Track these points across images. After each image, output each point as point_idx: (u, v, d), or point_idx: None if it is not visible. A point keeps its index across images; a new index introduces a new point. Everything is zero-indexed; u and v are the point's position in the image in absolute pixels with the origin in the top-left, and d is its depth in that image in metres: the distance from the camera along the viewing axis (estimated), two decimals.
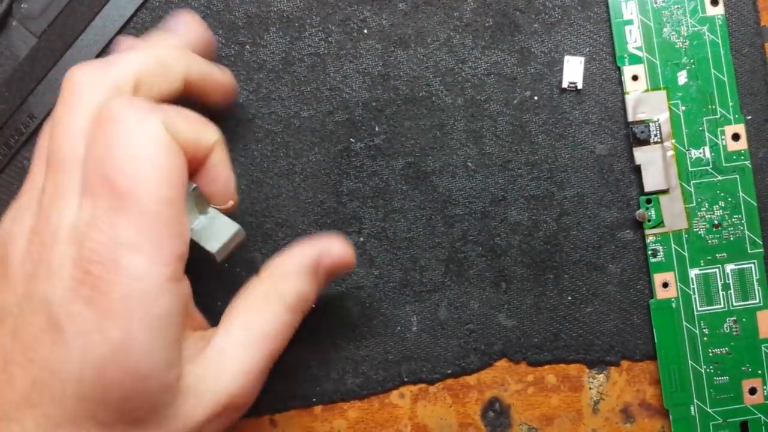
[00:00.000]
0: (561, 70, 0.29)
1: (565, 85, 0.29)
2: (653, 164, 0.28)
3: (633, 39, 0.28)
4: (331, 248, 0.23)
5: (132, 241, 0.19)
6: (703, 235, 0.28)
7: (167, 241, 0.19)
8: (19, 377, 0.20)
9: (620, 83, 0.28)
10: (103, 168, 0.19)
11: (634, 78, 0.28)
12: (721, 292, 0.28)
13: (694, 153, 0.28)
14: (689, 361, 0.28)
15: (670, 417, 0.28)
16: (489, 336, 0.28)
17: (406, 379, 0.28)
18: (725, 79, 0.28)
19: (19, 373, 0.20)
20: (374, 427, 0.28)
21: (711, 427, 0.28)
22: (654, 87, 0.28)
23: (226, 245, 0.23)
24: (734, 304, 0.28)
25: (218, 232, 0.23)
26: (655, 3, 0.28)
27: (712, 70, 0.28)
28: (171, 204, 0.19)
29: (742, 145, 0.28)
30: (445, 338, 0.28)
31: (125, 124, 0.19)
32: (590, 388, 0.28)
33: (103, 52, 0.28)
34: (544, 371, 0.28)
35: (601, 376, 0.28)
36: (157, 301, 0.19)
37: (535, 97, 0.29)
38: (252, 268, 0.27)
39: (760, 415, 0.28)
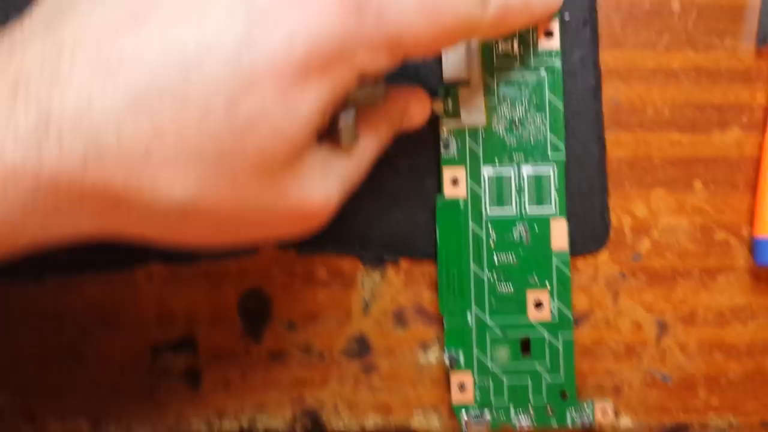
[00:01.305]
0: None
1: None
2: (455, 53, 0.26)
3: None
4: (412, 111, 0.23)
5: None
6: (501, 134, 0.26)
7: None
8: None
9: None
10: None
11: None
12: (514, 196, 0.25)
13: (502, 46, 0.26)
14: (472, 265, 0.25)
15: (444, 325, 0.25)
16: None
17: (154, 258, 0.25)
18: None
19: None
20: (113, 309, 0.25)
21: (488, 340, 0.25)
22: None
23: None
24: (527, 210, 0.25)
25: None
26: None
27: None
28: None
29: (555, 44, 0.26)
30: None
31: None
32: (363, 287, 0.25)
33: None
34: (315, 264, 0.25)
35: (377, 274, 0.25)
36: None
37: None
38: None
39: (543, 332, 0.25)
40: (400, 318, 0.25)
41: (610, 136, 0.26)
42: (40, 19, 0.17)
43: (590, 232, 0.26)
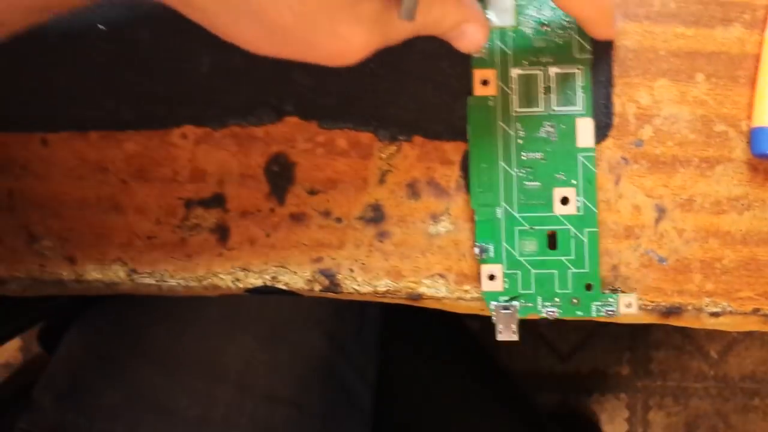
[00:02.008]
0: None
1: None
2: None
3: None
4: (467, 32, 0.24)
5: None
6: (530, 35, 0.27)
7: None
8: None
9: None
10: None
11: None
12: (541, 95, 0.27)
13: None
14: (501, 163, 0.27)
15: (476, 218, 0.27)
16: (282, 91, 0.27)
17: (188, 121, 0.27)
18: None
19: None
20: (150, 164, 0.27)
21: (516, 233, 0.26)
22: None
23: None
24: (554, 108, 0.27)
25: None
26: None
27: None
28: None
29: None
30: (237, 86, 0.27)
31: None
32: (380, 158, 0.27)
33: None
34: (336, 134, 0.27)
35: (393, 147, 0.27)
36: None
37: None
38: None
39: (569, 226, 0.27)
40: (413, 189, 0.27)
41: (617, 26, 0.27)
42: None
43: (594, 122, 0.27)
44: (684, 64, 0.27)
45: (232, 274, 0.27)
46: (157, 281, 0.27)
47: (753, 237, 0.28)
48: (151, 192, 0.27)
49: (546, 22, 0.27)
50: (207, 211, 0.27)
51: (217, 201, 0.27)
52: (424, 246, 0.27)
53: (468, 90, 0.27)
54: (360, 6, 0.20)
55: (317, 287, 0.27)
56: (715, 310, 0.28)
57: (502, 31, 0.27)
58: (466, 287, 0.27)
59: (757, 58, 0.27)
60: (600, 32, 0.26)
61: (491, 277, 0.26)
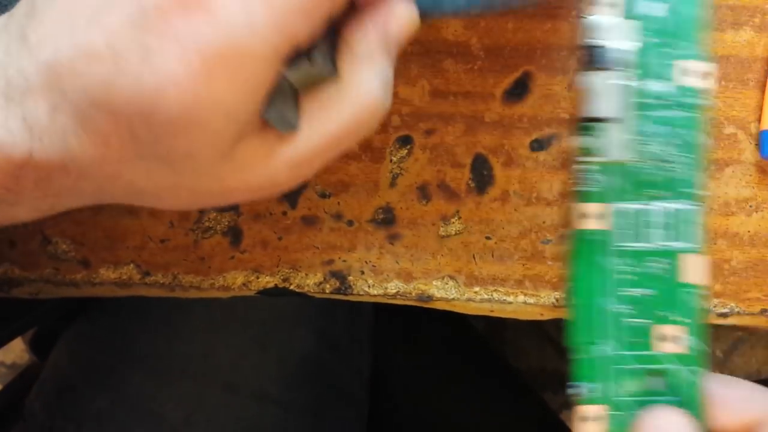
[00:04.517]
0: None
1: None
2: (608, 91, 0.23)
3: None
4: (395, 14, 0.20)
5: None
6: (648, 169, 0.24)
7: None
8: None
9: None
10: None
11: None
12: (651, 231, 0.25)
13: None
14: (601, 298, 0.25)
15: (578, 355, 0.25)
16: None
17: None
18: None
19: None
20: None
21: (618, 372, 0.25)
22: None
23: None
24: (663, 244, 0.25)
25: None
26: None
27: None
28: None
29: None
30: None
31: None
32: (391, 161, 0.27)
33: None
34: None
35: (404, 150, 0.27)
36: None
37: None
38: None
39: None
40: (424, 192, 0.27)
41: None
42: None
43: None
44: None
45: (245, 276, 0.28)
46: (169, 283, 0.27)
47: (761, 238, 0.28)
48: None
49: (661, 158, 0.24)
50: (220, 214, 0.27)
51: (230, 205, 0.27)
52: (435, 248, 0.28)
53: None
54: (239, 150, 0.19)
55: (328, 289, 0.28)
56: (723, 311, 0.28)
57: (615, 165, 0.24)
58: (476, 289, 0.28)
59: (767, 62, 0.28)
60: None
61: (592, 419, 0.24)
